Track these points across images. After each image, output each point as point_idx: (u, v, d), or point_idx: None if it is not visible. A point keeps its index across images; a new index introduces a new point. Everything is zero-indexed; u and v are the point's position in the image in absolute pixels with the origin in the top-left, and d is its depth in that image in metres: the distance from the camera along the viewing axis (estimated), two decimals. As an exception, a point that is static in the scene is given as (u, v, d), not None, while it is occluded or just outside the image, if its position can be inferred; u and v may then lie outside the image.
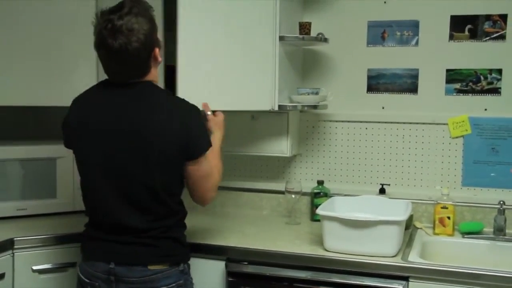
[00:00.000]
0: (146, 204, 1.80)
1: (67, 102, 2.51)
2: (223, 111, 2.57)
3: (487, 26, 2.43)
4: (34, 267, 2.17)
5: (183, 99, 1.89)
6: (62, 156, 2.51)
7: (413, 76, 2.54)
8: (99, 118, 1.81)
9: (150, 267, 1.80)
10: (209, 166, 1.89)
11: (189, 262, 1.95)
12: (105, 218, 1.84)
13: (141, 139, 1.76)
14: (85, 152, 1.84)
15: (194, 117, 1.85)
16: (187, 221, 1.97)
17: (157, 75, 1.89)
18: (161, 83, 2.44)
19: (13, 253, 2.15)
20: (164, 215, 1.84)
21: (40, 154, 2.53)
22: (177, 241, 1.89)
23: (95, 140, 1.80)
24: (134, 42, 1.71)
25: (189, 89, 2.43)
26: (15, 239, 2.16)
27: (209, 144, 1.87)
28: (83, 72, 2.53)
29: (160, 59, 1.85)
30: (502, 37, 2.41)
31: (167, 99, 1.86)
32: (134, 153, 1.76)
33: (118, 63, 1.75)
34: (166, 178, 1.81)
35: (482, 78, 2.45)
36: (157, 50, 1.82)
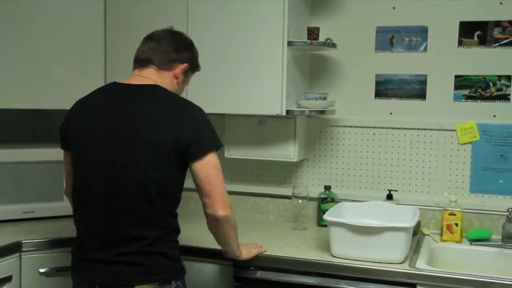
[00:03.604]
0: (137, 206, 1.73)
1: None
2: (231, 115, 2.58)
3: (496, 33, 2.42)
4: (41, 270, 2.18)
5: (191, 102, 1.87)
6: (70, 159, 2.52)
7: (422, 82, 2.53)
8: (102, 118, 1.79)
9: None
10: (217, 168, 1.80)
11: (184, 278, 1.85)
12: (93, 227, 1.77)
13: (137, 133, 1.73)
14: (82, 154, 1.80)
15: (200, 116, 1.81)
16: (192, 227, 1.96)
17: (175, 88, 1.92)
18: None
19: (20, 256, 2.16)
20: (153, 223, 1.75)
21: (48, 157, 2.53)
22: (166, 257, 1.77)
23: (96, 140, 1.77)
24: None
25: (197, 92, 2.45)
26: (22, 241, 2.17)
27: (216, 144, 1.81)
28: (92, 75, 2.54)
29: (179, 78, 1.91)
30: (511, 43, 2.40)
31: (173, 98, 1.85)
32: (131, 149, 1.73)
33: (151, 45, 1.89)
34: (160, 177, 1.74)
35: (491, 84, 2.44)
36: (181, 67, 1.90)
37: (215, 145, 1.81)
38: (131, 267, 1.72)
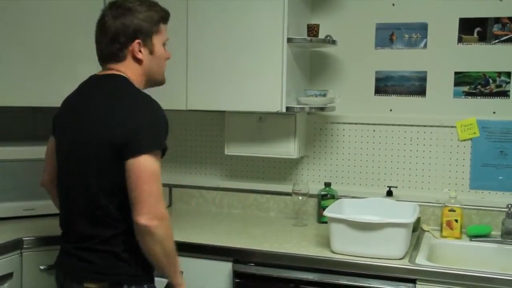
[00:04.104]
0: (86, 205, 1.69)
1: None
2: (231, 112, 2.59)
3: (496, 29, 2.42)
4: (42, 267, 2.19)
5: (150, 97, 1.72)
6: (70, 157, 2.52)
7: (421, 78, 2.53)
8: (69, 110, 1.81)
9: (86, 285, 1.67)
10: (150, 172, 1.60)
11: (144, 286, 1.72)
12: (61, 218, 1.82)
13: (81, 128, 1.70)
14: (57, 147, 1.84)
15: (147, 114, 1.66)
16: (192, 224, 1.96)
17: (147, 68, 1.77)
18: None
19: (21, 253, 2.16)
20: (103, 221, 1.67)
21: (49, 154, 2.53)
22: (118, 257, 1.67)
23: (63, 133, 1.80)
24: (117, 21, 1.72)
25: (197, 90, 2.45)
26: (23, 238, 2.18)
27: (154, 146, 1.63)
28: (89, 72, 2.54)
29: (141, 56, 1.74)
30: (511, 40, 2.41)
31: (125, 91, 1.71)
32: (76, 146, 1.71)
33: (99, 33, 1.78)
34: (102, 174, 1.66)
35: (490, 81, 2.44)
36: (134, 48, 1.73)
37: (153, 147, 1.62)
38: (83, 263, 1.69)
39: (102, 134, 1.65)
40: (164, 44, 1.82)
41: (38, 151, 2.52)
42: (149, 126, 1.64)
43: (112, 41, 1.73)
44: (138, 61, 1.75)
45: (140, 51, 1.74)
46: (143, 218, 1.58)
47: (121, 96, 1.70)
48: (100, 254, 1.68)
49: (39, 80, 2.47)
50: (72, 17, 2.50)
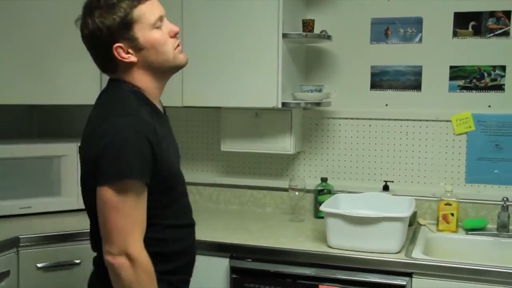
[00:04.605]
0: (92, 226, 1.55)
1: (70, 101, 2.54)
2: (227, 108, 2.59)
3: (490, 23, 2.42)
4: (39, 265, 2.18)
5: (124, 115, 1.43)
6: (67, 154, 2.52)
7: (417, 73, 2.54)
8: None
9: None
10: (111, 206, 1.39)
11: None
12: None
13: (81, 142, 1.55)
14: None
15: (107, 135, 1.39)
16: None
17: (137, 75, 1.51)
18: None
19: (18, 251, 2.16)
20: (95, 243, 1.54)
21: (45, 152, 2.53)
22: (97, 277, 1.55)
23: None
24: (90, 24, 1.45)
25: (193, 86, 2.45)
26: (20, 237, 2.17)
27: (110, 179, 1.37)
28: (86, 70, 2.54)
29: (126, 56, 1.47)
30: (506, 33, 2.41)
31: (107, 103, 1.50)
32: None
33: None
34: (87, 194, 1.50)
35: (485, 74, 2.45)
36: (117, 51, 1.46)
37: (110, 180, 1.37)
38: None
39: (82, 155, 1.53)
40: (155, 25, 1.48)
41: (34, 149, 2.54)
42: (110, 153, 1.38)
43: (95, 56, 1.52)
44: (131, 64, 1.48)
45: (129, 53, 1.47)
46: (106, 253, 1.41)
47: (104, 114, 1.46)
48: (92, 275, 1.60)
49: (34, 78, 2.46)
50: (67, 15, 2.49)
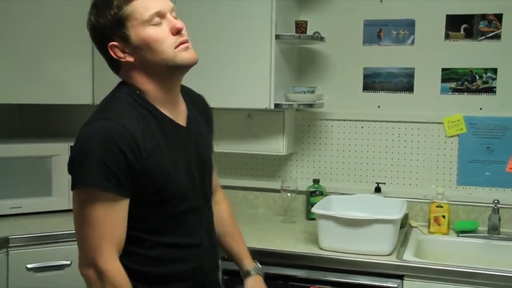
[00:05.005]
0: None
1: (61, 100, 2.53)
2: (220, 109, 2.58)
3: (482, 26, 2.43)
4: (29, 266, 2.17)
5: (93, 116, 1.39)
6: (58, 154, 2.51)
7: (409, 75, 2.54)
8: None
9: None
10: (77, 214, 1.36)
11: None
12: None
13: None
14: None
15: (77, 141, 1.35)
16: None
17: (136, 77, 1.43)
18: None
19: (7, 251, 2.14)
20: None
21: (36, 152, 2.52)
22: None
23: None
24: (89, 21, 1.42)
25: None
26: (9, 237, 2.15)
27: (75, 184, 1.34)
28: (78, 70, 2.53)
29: (123, 55, 1.40)
30: (497, 36, 2.42)
31: (98, 107, 1.44)
32: None
33: None
34: None
35: (477, 77, 2.46)
36: (113, 50, 1.40)
37: (73, 187, 1.35)
38: None
39: None
40: (151, 21, 1.38)
41: (25, 149, 2.52)
42: (77, 159, 1.34)
43: (103, 56, 1.46)
44: (130, 64, 1.41)
45: (125, 52, 1.40)
46: (78, 263, 1.38)
47: (90, 116, 1.42)
48: None
49: (26, 77, 2.45)
50: (60, 16, 2.49)
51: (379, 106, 2.60)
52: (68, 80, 2.52)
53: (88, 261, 1.34)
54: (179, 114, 1.50)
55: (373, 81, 2.60)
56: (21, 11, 2.42)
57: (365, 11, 2.58)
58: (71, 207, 2.53)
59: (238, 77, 2.37)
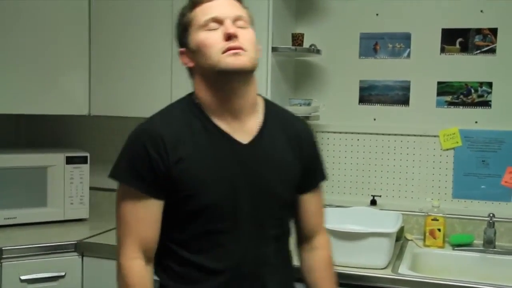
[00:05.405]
0: None
1: (57, 111, 2.53)
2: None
3: (477, 40, 2.45)
4: (23, 277, 2.15)
5: (148, 118, 1.46)
6: (54, 165, 2.50)
7: (405, 88, 2.55)
8: None
9: None
10: (116, 209, 1.46)
11: None
12: None
13: None
14: None
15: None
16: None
17: (196, 84, 1.45)
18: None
19: (1, 263, 2.13)
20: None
21: (32, 162, 2.51)
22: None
23: None
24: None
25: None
26: (3, 248, 2.14)
27: (109, 174, 1.47)
28: (74, 80, 2.53)
29: (186, 61, 1.45)
30: (492, 50, 2.43)
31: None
32: None
33: None
34: None
35: (472, 91, 2.47)
36: (180, 55, 1.46)
37: (112, 175, 1.43)
38: None
39: None
40: (206, 27, 1.39)
41: (21, 159, 2.51)
42: (118, 155, 1.44)
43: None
44: (192, 70, 1.44)
45: (191, 58, 1.42)
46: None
47: None
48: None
49: (22, 88, 2.45)
50: (57, 26, 2.49)
51: (375, 119, 2.60)
52: (65, 90, 2.52)
53: (116, 254, 1.42)
54: (242, 129, 1.42)
55: (369, 94, 2.61)
56: (17, 22, 2.42)
57: (361, 24, 2.59)
58: (66, 217, 2.55)
59: (235, 89, 2.37)
